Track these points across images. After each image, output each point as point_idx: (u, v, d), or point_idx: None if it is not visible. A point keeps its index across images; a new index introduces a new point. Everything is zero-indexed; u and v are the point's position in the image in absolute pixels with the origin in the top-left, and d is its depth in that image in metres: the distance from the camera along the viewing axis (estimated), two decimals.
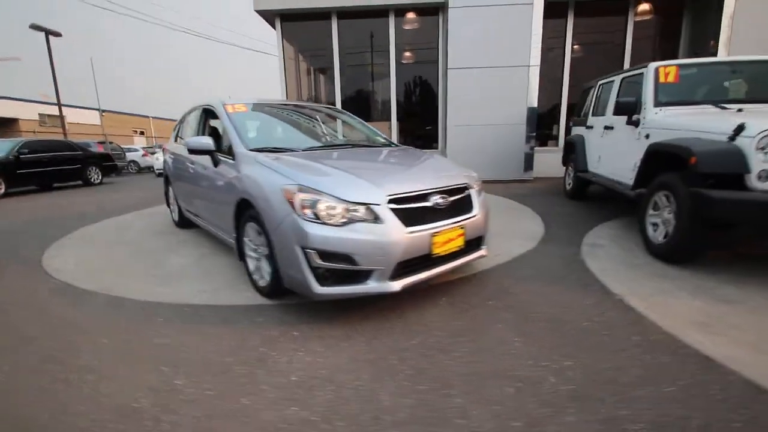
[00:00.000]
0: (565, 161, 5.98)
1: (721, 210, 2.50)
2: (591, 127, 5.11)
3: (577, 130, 5.70)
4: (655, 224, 3.16)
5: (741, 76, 3.63)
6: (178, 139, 4.34)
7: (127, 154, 16.52)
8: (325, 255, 2.01)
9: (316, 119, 3.79)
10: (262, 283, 2.52)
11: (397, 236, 2.06)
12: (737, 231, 2.97)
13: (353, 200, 2.06)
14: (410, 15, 8.01)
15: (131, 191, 9.15)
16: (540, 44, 7.09)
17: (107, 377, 1.72)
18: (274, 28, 8.19)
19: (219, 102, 3.27)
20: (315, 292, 2.04)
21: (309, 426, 1.40)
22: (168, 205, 4.80)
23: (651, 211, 3.21)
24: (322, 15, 8.03)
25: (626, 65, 7.89)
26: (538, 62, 7.14)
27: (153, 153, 16.71)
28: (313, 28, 8.25)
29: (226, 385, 1.64)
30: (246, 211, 2.55)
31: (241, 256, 2.76)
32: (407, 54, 8.29)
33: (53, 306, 2.51)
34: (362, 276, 2.06)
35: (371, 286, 2.06)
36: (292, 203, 2.08)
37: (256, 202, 2.31)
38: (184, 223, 4.39)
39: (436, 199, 2.28)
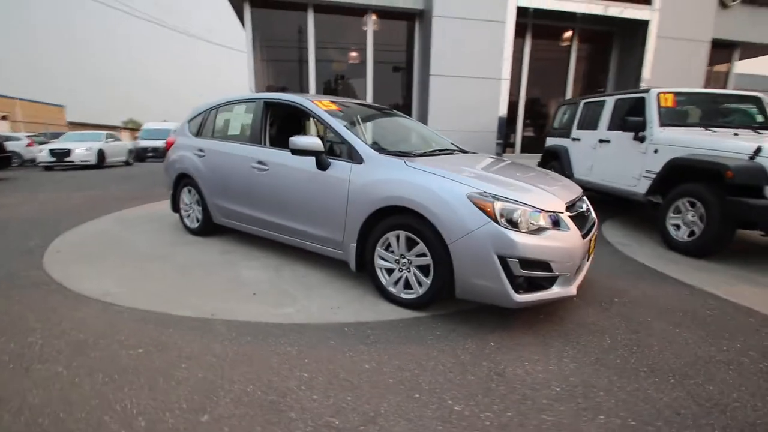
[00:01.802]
0: (544, 167, 6.70)
1: (755, 214, 3.17)
2: (578, 140, 5.84)
3: (556, 141, 6.43)
4: (676, 225, 3.82)
5: (717, 106, 4.58)
6: (205, 133, 3.77)
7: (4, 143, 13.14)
8: (526, 263, 2.04)
9: (392, 120, 3.68)
10: (408, 295, 2.41)
11: (579, 242, 2.20)
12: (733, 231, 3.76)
13: (545, 209, 2.14)
14: (388, 19, 8.06)
15: (46, 195, 7.45)
16: (511, 59, 7.78)
17: (387, 420, 1.51)
18: (241, 18, 7.49)
19: (306, 99, 2.99)
20: (514, 301, 2.06)
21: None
22: (177, 209, 4.10)
23: (671, 215, 3.87)
24: (298, 5, 7.61)
25: (569, 85, 9.12)
26: (509, 76, 7.83)
27: (42, 143, 13.65)
28: (286, 18, 7.77)
29: (502, 404, 1.59)
30: (383, 220, 2.41)
31: (361, 267, 2.61)
32: (384, 57, 8.31)
33: (202, 353, 2.04)
34: (549, 282, 2.14)
35: (556, 291, 2.15)
36: (488, 212, 2.06)
37: (424, 210, 2.20)
38: (207, 229, 3.84)
39: (582, 206, 2.47)
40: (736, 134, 3.92)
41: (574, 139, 5.94)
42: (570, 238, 2.16)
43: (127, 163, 14.49)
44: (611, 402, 1.61)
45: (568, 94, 9.17)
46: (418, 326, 2.23)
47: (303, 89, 8.06)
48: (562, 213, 2.19)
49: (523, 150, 9.10)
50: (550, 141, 6.68)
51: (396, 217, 2.38)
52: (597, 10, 7.95)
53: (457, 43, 7.45)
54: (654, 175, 4.21)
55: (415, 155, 2.78)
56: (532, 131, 9.36)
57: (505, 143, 9.09)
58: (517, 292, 2.06)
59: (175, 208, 4.14)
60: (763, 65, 11.07)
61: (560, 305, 2.48)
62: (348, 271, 2.96)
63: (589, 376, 1.79)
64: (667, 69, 8.35)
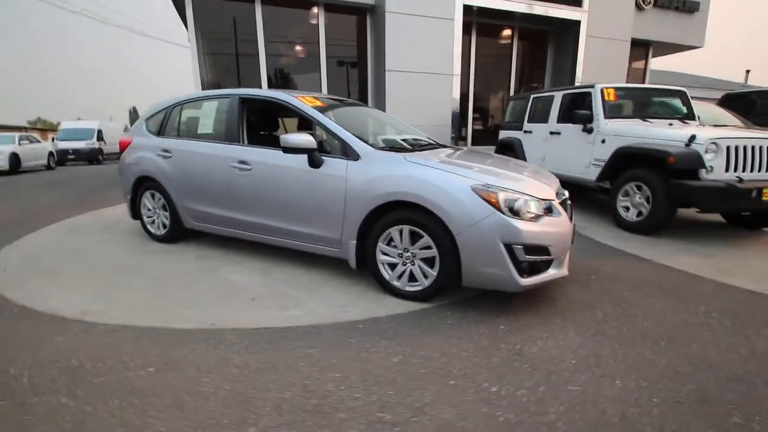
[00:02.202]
0: None
1: (694, 194, 3.64)
2: (530, 132, 6.25)
3: (509, 134, 6.83)
4: (626, 207, 4.27)
5: (649, 99, 5.14)
6: (168, 132, 3.50)
7: None
8: (529, 249, 2.19)
9: (371, 116, 3.66)
10: (414, 288, 2.46)
11: (568, 226, 2.39)
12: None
13: (542, 197, 2.29)
14: (339, 13, 7.96)
15: None
16: (460, 56, 8.08)
17: (434, 408, 1.54)
18: (181, 8, 6.98)
19: (290, 96, 2.90)
20: (520, 285, 2.19)
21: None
22: (138, 216, 3.76)
23: (621, 198, 4.31)
24: None
25: (512, 80, 9.68)
26: (459, 72, 8.13)
27: None
28: (232, 10, 7.36)
29: (531, 380, 1.70)
30: (386, 215, 2.44)
31: (361, 264, 2.62)
32: (337, 51, 8.21)
33: (220, 365, 1.90)
34: (546, 265, 2.31)
35: (552, 272, 2.33)
36: (492, 202, 2.17)
37: (431, 204, 2.25)
38: (175, 235, 3.58)
39: (564, 193, 2.69)
40: (670, 124, 4.45)
41: (526, 132, 6.34)
42: (562, 223, 2.34)
43: (48, 167, 12.89)
44: (621, 368, 1.80)
45: (512, 90, 9.74)
46: (429, 317, 2.29)
47: (252, 84, 7.71)
48: (554, 200, 2.37)
49: (474, 142, 9.51)
50: (504, 134, 7.05)
51: (398, 212, 2.41)
52: (534, 9, 8.49)
53: (411, 39, 7.57)
54: (602, 163, 4.65)
55: (410, 150, 2.83)
56: (481, 124, 9.82)
57: (457, 137, 9.44)
58: (521, 276, 2.20)
59: (135, 214, 3.80)
60: (672, 62, 12.55)
61: (549, 286, 2.68)
62: (342, 268, 2.95)
63: (594, 347, 1.98)
64: (596, 66, 9.19)
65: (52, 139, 15.44)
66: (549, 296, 2.55)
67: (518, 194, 2.22)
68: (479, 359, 1.86)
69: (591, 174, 4.83)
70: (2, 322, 2.21)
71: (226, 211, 3.13)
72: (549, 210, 2.33)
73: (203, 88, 7.25)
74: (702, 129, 3.98)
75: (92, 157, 15.80)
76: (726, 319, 2.26)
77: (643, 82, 11.01)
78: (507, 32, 9.51)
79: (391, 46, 7.50)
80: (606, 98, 4.88)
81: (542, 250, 2.23)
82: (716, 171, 3.64)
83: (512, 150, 6.60)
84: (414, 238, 2.40)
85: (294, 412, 1.50)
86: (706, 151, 3.63)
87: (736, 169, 3.66)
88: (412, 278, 2.47)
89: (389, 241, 2.49)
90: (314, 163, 2.65)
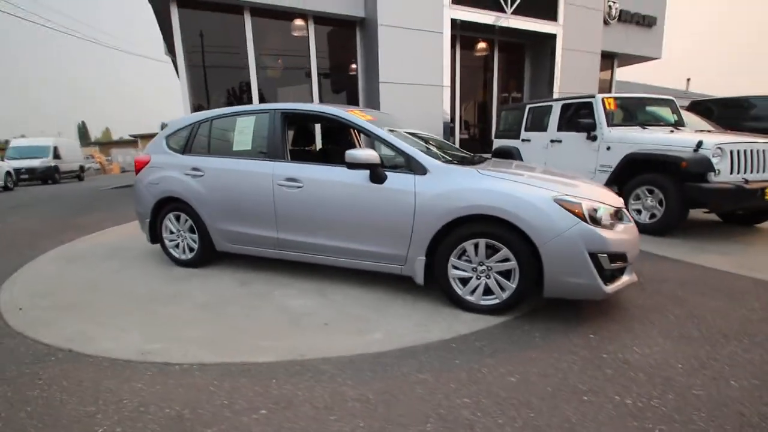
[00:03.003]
0: None
1: (705, 196, 3.89)
2: (528, 140, 6.45)
3: (505, 142, 7.01)
4: (638, 210, 4.49)
5: (643, 108, 5.47)
6: (196, 149, 3.29)
7: None
8: (612, 257, 2.23)
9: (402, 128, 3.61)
10: (489, 302, 2.43)
11: (636, 231, 2.46)
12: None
13: (615, 205, 2.35)
14: (328, 25, 7.91)
15: None
16: (450, 68, 8.26)
17: (586, 428, 1.50)
18: (163, 22, 6.67)
19: (343, 111, 2.82)
20: (604, 292, 2.22)
21: None
22: (159, 240, 3.48)
23: (632, 201, 4.53)
24: (232, 8, 7.03)
25: (494, 91, 10.01)
26: (449, 83, 8.30)
27: None
28: (220, 21, 7.12)
29: (657, 390, 1.72)
30: (457, 229, 2.40)
31: (429, 280, 2.56)
32: (327, 63, 8.13)
33: (337, 400, 1.74)
34: (621, 272, 2.37)
35: (626, 279, 2.38)
36: (576, 213, 2.19)
37: (513, 216, 2.24)
38: (203, 259, 3.35)
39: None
40: (672, 131, 4.75)
41: (524, 140, 6.55)
42: (633, 229, 2.41)
43: (6, 188, 11.77)
44: (725, 368, 1.86)
45: (495, 100, 10.07)
46: (514, 330, 2.27)
47: (243, 98, 7.47)
48: (623, 207, 2.44)
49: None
50: (498, 142, 7.23)
51: (474, 226, 2.38)
52: (513, 23, 8.86)
53: (403, 51, 7.65)
54: (609, 169, 4.87)
55: (477, 162, 2.82)
56: (467, 134, 10.05)
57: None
58: (605, 284, 2.23)
59: (155, 238, 3.51)
60: (635, 73, 13.48)
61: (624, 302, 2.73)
62: (400, 285, 2.88)
63: (688, 349, 2.03)
64: (571, 77, 9.70)
65: (1, 158, 14.09)
66: (614, 305, 2.60)
67: (598, 203, 2.27)
68: (593, 371, 1.85)
69: (597, 179, 5.03)
70: (55, 370, 1.94)
71: (270, 231, 2.96)
72: (620, 217, 2.39)
73: (191, 103, 6.93)
74: (706, 135, 4.27)
75: (48, 176, 14.58)
76: None
77: (610, 92, 11.75)
78: (488, 45, 9.85)
79: (385, 58, 7.53)
80: (607, 107, 5.14)
81: (621, 256, 2.28)
82: (722, 174, 3.92)
83: (511, 158, 6.78)
84: (490, 251, 2.38)
85: None
86: (713, 156, 3.90)
87: (738, 172, 3.96)
88: (488, 292, 2.44)
89: (460, 256, 2.45)
90: (378, 178, 2.57)
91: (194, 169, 3.19)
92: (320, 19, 7.72)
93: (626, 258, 2.30)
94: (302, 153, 3.37)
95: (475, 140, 9.87)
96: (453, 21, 8.24)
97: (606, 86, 11.72)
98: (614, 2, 10.33)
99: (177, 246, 3.43)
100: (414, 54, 7.77)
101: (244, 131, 3.11)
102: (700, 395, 1.67)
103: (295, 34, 7.70)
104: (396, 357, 2.01)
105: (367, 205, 2.63)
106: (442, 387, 1.75)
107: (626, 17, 10.64)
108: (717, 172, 3.90)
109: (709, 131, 5.47)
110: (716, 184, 3.88)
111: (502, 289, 2.40)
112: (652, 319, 2.37)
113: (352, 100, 8.44)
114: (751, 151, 4.01)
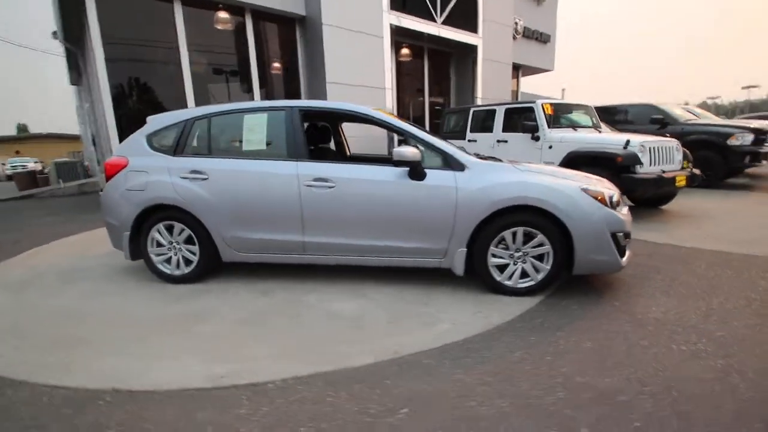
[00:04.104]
0: None
1: (637, 184, 4.74)
2: (474, 141, 7.02)
3: (451, 142, 7.51)
4: None
5: (568, 113, 6.37)
6: (192, 149, 2.94)
7: None
8: (625, 235, 2.65)
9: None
10: (526, 284, 2.67)
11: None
12: None
13: (619, 193, 2.79)
14: (267, 21, 7.55)
15: None
16: (391, 71, 8.53)
17: None
18: (69, 8, 5.70)
19: (370, 109, 2.83)
20: (621, 265, 2.63)
21: None
22: (142, 255, 3.00)
23: None
24: None
25: (426, 95, 10.60)
26: (392, 86, 8.57)
27: None
28: (146, 10, 6.30)
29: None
30: (494, 221, 2.60)
31: (471, 271, 2.72)
32: (268, 60, 7.74)
33: (463, 390, 1.72)
34: (626, 248, 2.82)
35: (629, 253, 2.84)
36: (600, 199, 2.56)
37: (551, 206, 2.51)
38: (204, 272, 3.03)
39: None
40: (600, 131, 5.64)
41: (470, 141, 7.10)
42: (628, 211, 2.89)
43: None
44: (724, 313, 2.36)
45: (426, 103, 10.65)
46: (554, 307, 2.54)
47: (175, 94, 6.73)
48: (620, 194, 2.90)
49: None
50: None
51: (511, 216, 2.60)
52: (442, 33, 9.52)
53: (348, 53, 7.69)
54: (552, 165, 5.60)
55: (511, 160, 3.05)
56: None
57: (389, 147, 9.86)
58: (621, 258, 2.64)
59: (137, 254, 3.03)
60: (534, 85, 15.41)
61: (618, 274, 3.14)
62: (430, 279, 2.98)
63: (689, 303, 2.51)
64: (489, 85, 10.77)
65: None
66: (608, 275, 3.06)
67: (612, 191, 2.67)
68: (641, 330, 2.20)
69: None
70: (120, 414, 1.61)
71: (295, 235, 2.81)
72: (619, 202, 2.84)
73: (113, 99, 6.01)
74: (629, 135, 5.19)
75: None
76: None
77: (516, 99, 13.30)
78: (420, 52, 10.38)
79: (330, 58, 7.47)
80: (546, 112, 5.90)
81: (629, 234, 2.72)
82: (645, 167, 4.83)
83: None
84: (524, 238, 2.63)
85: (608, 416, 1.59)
86: (639, 152, 4.78)
87: (655, 164, 4.92)
88: (524, 275, 2.68)
89: (497, 244, 2.66)
90: (419, 175, 2.64)
91: (194, 171, 2.85)
92: (259, 13, 7.33)
93: (630, 236, 2.75)
94: (319, 152, 3.25)
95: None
96: (390, 26, 8.53)
97: (513, 94, 13.23)
98: (519, 20, 11.74)
99: (168, 261, 3.02)
100: (358, 56, 7.85)
101: (255, 130, 2.88)
102: (723, 336, 2.11)
103: (233, 28, 7.18)
104: (480, 342, 2.12)
105: (407, 202, 2.68)
106: (539, 360, 1.92)
107: (528, 33, 12.16)
108: (642, 165, 4.79)
109: (618, 131, 6.64)
110: (643, 174, 4.76)
111: (537, 271, 2.66)
112: (649, 285, 2.86)
113: (294, 98, 8.16)
114: (663, 147, 5.00)
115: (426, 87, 10.57)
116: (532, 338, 2.15)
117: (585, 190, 2.57)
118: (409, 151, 2.55)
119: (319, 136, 3.50)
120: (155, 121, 3.06)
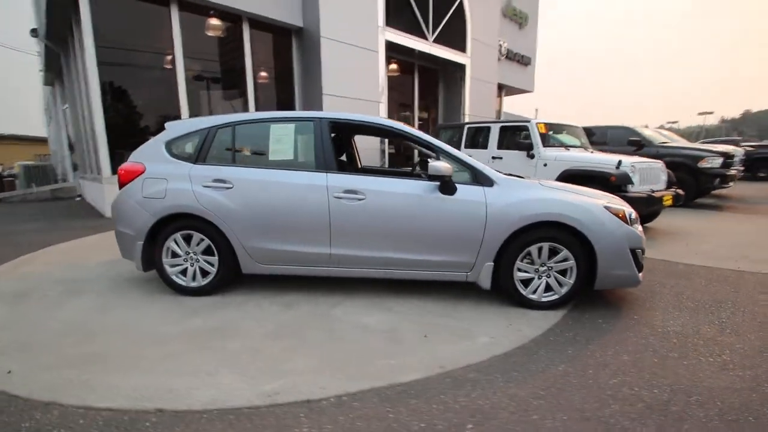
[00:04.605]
0: None
1: (631, 203, 4.96)
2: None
3: None
4: None
5: (558, 132, 6.65)
6: (214, 158, 2.87)
7: None
8: (642, 251, 2.78)
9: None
10: (549, 298, 2.75)
11: None
12: None
13: (635, 211, 2.94)
14: (263, 31, 7.52)
15: None
16: (386, 85, 8.65)
17: None
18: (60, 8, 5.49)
19: (399, 124, 2.86)
20: (640, 280, 2.76)
21: None
22: (156, 266, 2.87)
23: None
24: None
25: (416, 110, 10.79)
26: (386, 100, 8.68)
27: None
28: (142, 14, 6.13)
29: None
30: (519, 236, 2.67)
31: (496, 285, 2.77)
32: (263, 70, 7.68)
33: (516, 406, 1.71)
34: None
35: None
36: (621, 217, 2.68)
37: (576, 222, 2.61)
38: (221, 284, 2.93)
39: None
40: (591, 152, 5.92)
41: None
42: (641, 228, 3.04)
43: None
44: (735, 325, 2.51)
45: (416, 117, 10.83)
46: (580, 321, 2.62)
47: (169, 100, 6.54)
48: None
49: (390, 165, 10.14)
50: None
51: (536, 231, 2.68)
52: (433, 50, 9.78)
53: (344, 65, 7.76)
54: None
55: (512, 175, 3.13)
56: (393, 149, 10.56)
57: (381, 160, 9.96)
58: (639, 273, 2.77)
59: (149, 265, 2.90)
60: (508, 104, 15.93)
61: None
62: (453, 290, 3.00)
63: (699, 317, 2.65)
64: (476, 103, 11.11)
65: None
66: (617, 291, 3.19)
67: (630, 209, 2.81)
68: (666, 343, 2.30)
69: None
70: None
71: (323, 247, 2.77)
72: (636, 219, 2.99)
73: (104, 102, 5.77)
74: (620, 156, 5.47)
75: None
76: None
77: (499, 117, 13.76)
78: (410, 68, 10.59)
79: (327, 70, 7.51)
80: (540, 131, 6.14)
81: (644, 250, 2.86)
82: (635, 186, 5.10)
83: None
84: (551, 253, 2.71)
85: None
86: (630, 172, 5.05)
87: (644, 184, 5.20)
88: (548, 289, 2.76)
89: (523, 258, 2.73)
90: (450, 189, 2.68)
91: (218, 180, 2.78)
92: (256, 23, 7.29)
93: (644, 252, 2.89)
94: (340, 164, 3.24)
95: (401, 155, 10.43)
96: (385, 42, 8.68)
97: (497, 113, 13.69)
98: (503, 42, 12.23)
99: (183, 272, 2.90)
100: (353, 69, 7.92)
101: (282, 140, 2.85)
102: (743, 348, 2.24)
103: (230, 36, 7.10)
104: (522, 356, 2.15)
105: (437, 216, 2.71)
106: (582, 374, 1.97)
107: (511, 55, 12.68)
108: (633, 184, 5.05)
109: (605, 152, 6.98)
110: (635, 193, 5.01)
111: (560, 285, 2.74)
112: (659, 299, 3.00)
113: (289, 109, 8.12)
114: (650, 168, 5.30)
115: (416, 102, 10.77)
116: (569, 351, 2.21)
117: (608, 208, 2.69)
118: (444, 166, 2.59)
119: (337, 148, 3.50)
120: (175, 128, 2.97)
